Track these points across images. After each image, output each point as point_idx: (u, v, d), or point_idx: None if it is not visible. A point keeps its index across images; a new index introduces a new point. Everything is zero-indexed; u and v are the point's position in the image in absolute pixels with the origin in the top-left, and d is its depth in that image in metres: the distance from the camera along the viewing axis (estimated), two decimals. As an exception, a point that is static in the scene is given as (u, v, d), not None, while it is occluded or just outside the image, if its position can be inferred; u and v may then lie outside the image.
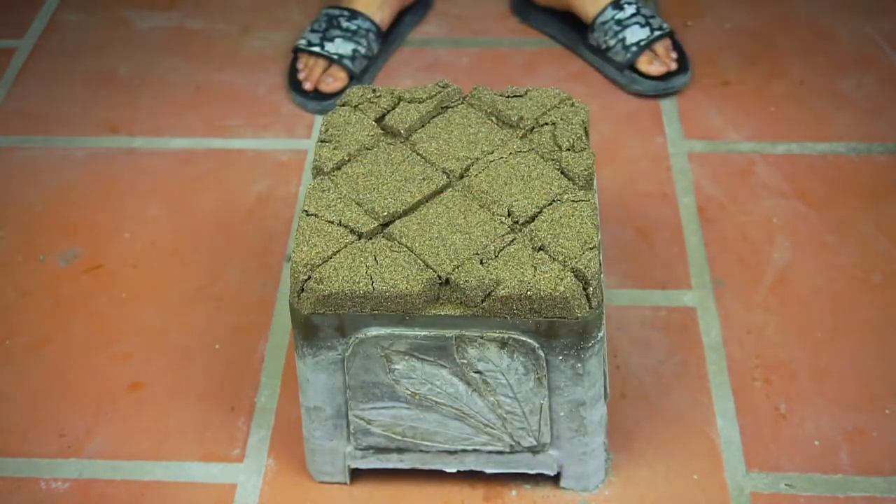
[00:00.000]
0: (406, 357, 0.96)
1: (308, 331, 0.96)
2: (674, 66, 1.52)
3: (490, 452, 1.04)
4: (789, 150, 1.45)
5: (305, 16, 1.71)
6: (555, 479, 1.08)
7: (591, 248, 0.95)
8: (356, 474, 1.09)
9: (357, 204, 0.99)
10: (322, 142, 1.05)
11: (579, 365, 0.96)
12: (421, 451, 1.04)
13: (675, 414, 1.15)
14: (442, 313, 0.93)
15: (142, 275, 1.32)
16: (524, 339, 0.94)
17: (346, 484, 1.09)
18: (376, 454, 1.05)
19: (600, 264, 0.97)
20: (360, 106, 1.06)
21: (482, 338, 0.94)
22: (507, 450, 1.03)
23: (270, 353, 1.22)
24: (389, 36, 1.63)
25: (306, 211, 0.99)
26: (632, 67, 1.52)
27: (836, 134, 1.47)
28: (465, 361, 0.96)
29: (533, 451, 1.03)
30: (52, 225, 1.39)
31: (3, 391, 1.20)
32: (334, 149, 1.04)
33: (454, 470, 1.06)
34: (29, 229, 1.38)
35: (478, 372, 0.96)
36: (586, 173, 1.00)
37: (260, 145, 1.49)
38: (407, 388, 0.98)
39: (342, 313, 0.94)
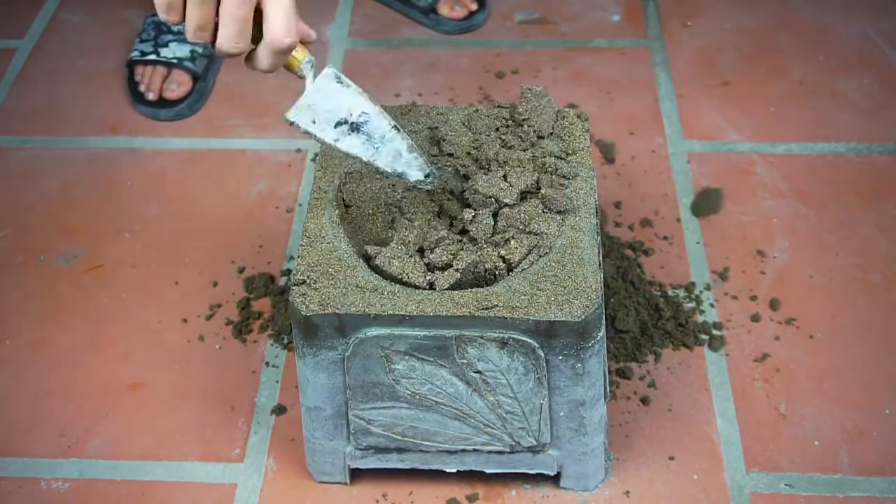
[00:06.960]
0: (406, 357, 0.96)
1: (308, 331, 0.95)
2: (474, 6, 1.68)
3: (490, 452, 1.04)
4: (789, 150, 1.45)
5: (307, 17, 1.70)
6: (555, 479, 1.08)
7: (591, 250, 0.95)
8: (356, 474, 1.09)
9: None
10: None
11: (579, 365, 0.96)
12: (421, 451, 1.04)
13: (675, 414, 1.15)
14: (442, 313, 0.93)
15: (142, 275, 1.32)
16: (524, 339, 0.94)
17: (346, 484, 1.09)
18: (376, 454, 1.05)
19: (600, 265, 0.97)
20: None
21: (482, 338, 0.94)
22: (507, 450, 1.03)
23: (270, 353, 1.22)
24: None
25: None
26: (435, 11, 1.67)
27: (836, 134, 1.47)
28: (465, 361, 0.96)
29: (533, 451, 1.03)
30: (52, 225, 1.39)
31: (3, 391, 1.20)
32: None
33: (454, 470, 1.06)
34: (29, 229, 1.38)
35: (478, 372, 0.96)
36: (586, 175, 1.00)
37: (260, 145, 1.49)
38: (407, 388, 0.98)
39: (342, 313, 0.94)
